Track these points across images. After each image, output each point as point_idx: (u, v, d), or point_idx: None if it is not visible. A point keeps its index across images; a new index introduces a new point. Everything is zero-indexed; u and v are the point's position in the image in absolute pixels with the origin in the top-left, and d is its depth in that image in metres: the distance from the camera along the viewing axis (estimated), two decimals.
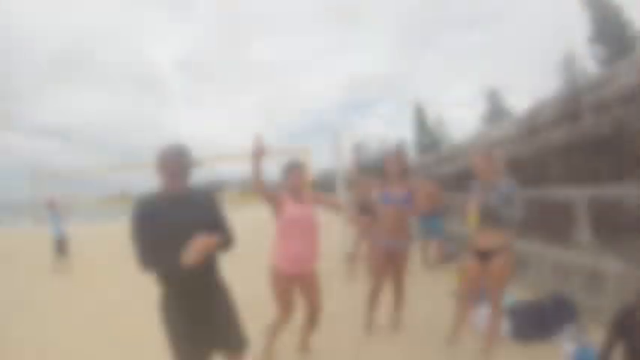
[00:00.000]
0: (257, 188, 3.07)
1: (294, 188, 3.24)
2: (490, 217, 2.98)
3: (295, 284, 3.20)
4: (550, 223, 4.38)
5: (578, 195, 3.92)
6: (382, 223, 3.71)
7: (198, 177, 2.40)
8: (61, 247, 8.73)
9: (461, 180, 7.32)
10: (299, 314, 3.38)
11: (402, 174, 3.69)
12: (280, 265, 3.14)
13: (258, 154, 2.91)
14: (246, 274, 5.70)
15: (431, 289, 5.32)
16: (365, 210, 6.73)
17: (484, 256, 3.06)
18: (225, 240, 2.26)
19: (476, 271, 3.14)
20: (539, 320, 3.46)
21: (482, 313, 3.73)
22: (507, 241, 3.05)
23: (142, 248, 2.05)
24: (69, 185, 14.42)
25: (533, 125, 4.88)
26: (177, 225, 2.10)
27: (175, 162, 2.19)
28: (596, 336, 3.12)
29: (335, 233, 8.01)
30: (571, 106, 4.11)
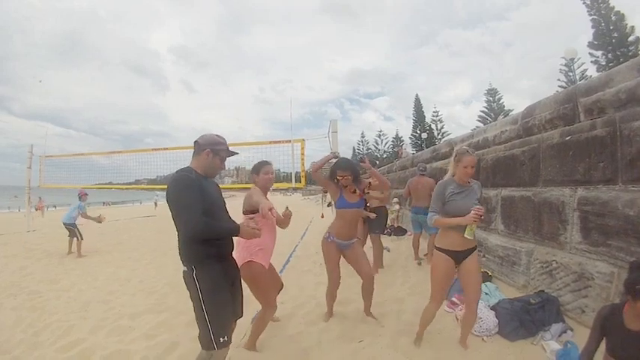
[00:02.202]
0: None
1: (268, 185, 3.51)
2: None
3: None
4: (540, 222, 4.40)
5: (569, 196, 3.95)
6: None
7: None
8: (72, 232, 8.84)
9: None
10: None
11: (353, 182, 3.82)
12: (260, 261, 3.25)
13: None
14: None
15: (422, 283, 5.36)
16: None
17: (458, 255, 3.12)
18: None
19: (451, 270, 3.19)
20: (526, 318, 3.49)
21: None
22: (476, 240, 3.20)
23: (198, 213, 2.18)
24: (64, 169, 14.33)
25: (527, 125, 4.88)
26: (216, 201, 2.47)
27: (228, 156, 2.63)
28: (580, 336, 3.17)
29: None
30: (566, 107, 4.12)
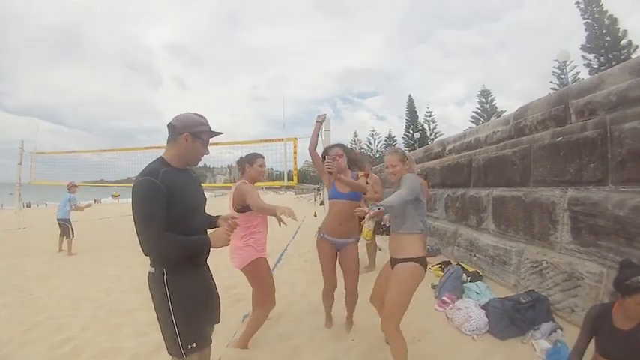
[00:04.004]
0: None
1: (259, 178, 3.45)
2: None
3: None
4: (531, 222, 4.44)
5: (559, 196, 3.99)
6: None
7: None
8: (64, 229, 8.79)
9: (446, 175, 7.38)
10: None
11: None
12: (262, 255, 3.30)
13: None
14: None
15: None
16: None
17: (391, 261, 2.85)
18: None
19: (383, 278, 2.98)
20: (516, 317, 3.52)
21: (459, 307, 3.80)
22: (413, 250, 2.71)
23: (158, 230, 1.88)
24: (55, 166, 14.24)
25: (519, 125, 4.92)
26: (195, 202, 2.15)
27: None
28: (570, 335, 3.20)
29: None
30: (558, 108, 4.16)
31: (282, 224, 3.13)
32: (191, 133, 2.06)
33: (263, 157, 3.50)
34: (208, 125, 2.16)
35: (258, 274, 3.27)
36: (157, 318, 2.07)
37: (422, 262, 2.70)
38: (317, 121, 3.61)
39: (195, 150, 2.12)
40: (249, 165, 3.39)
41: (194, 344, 2.05)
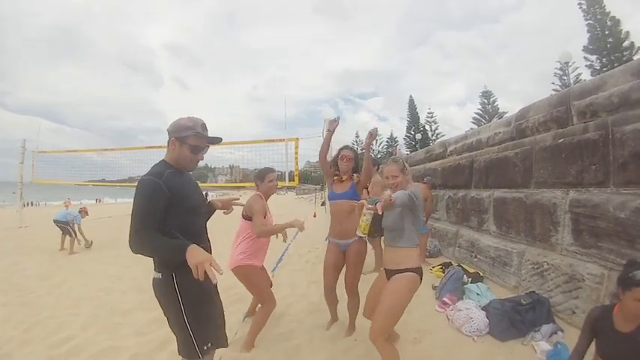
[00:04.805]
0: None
1: (270, 192, 3.61)
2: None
3: None
4: (532, 224, 4.43)
5: (561, 198, 3.97)
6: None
7: None
8: (64, 229, 8.85)
9: (447, 176, 7.37)
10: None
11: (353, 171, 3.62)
12: (257, 264, 3.45)
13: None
14: None
15: None
16: None
17: (388, 273, 2.74)
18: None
19: (377, 288, 2.86)
20: (516, 318, 3.51)
21: (460, 308, 3.79)
22: (410, 261, 2.65)
23: (144, 226, 1.85)
24: (57, 165, 14.26)
25: (521, 127, 4.91)
26: (195, 203, 2.16)
27: (208, 146, 2.21)
28: (571, 336, 3.19)
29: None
30: (560, 109, 4.15)
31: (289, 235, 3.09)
32: (177, 138, 2.07)
33: (274, 171, 3.66)
34: (196, 129, 2.08)
35: (245, 279, 3.40)
36: (169, 323, 2.08)
37: (419, 272, 2.65)
38: (328, 129, 3.64)
39: (183, 155, 2.09)
40: (259, 181, 3.55)
41: (209, 344, 2.08)
